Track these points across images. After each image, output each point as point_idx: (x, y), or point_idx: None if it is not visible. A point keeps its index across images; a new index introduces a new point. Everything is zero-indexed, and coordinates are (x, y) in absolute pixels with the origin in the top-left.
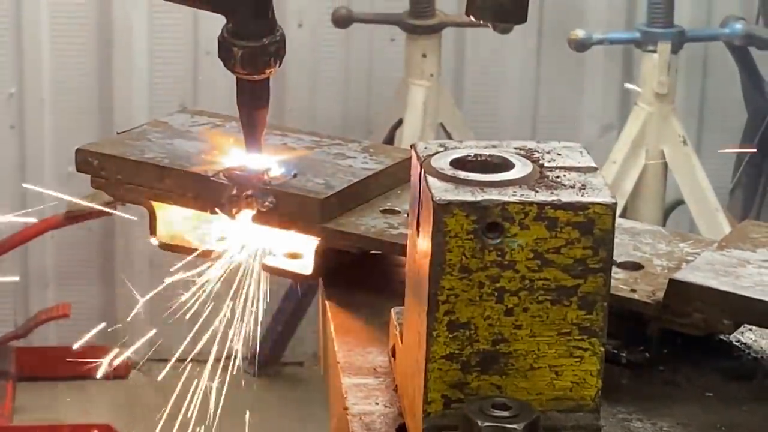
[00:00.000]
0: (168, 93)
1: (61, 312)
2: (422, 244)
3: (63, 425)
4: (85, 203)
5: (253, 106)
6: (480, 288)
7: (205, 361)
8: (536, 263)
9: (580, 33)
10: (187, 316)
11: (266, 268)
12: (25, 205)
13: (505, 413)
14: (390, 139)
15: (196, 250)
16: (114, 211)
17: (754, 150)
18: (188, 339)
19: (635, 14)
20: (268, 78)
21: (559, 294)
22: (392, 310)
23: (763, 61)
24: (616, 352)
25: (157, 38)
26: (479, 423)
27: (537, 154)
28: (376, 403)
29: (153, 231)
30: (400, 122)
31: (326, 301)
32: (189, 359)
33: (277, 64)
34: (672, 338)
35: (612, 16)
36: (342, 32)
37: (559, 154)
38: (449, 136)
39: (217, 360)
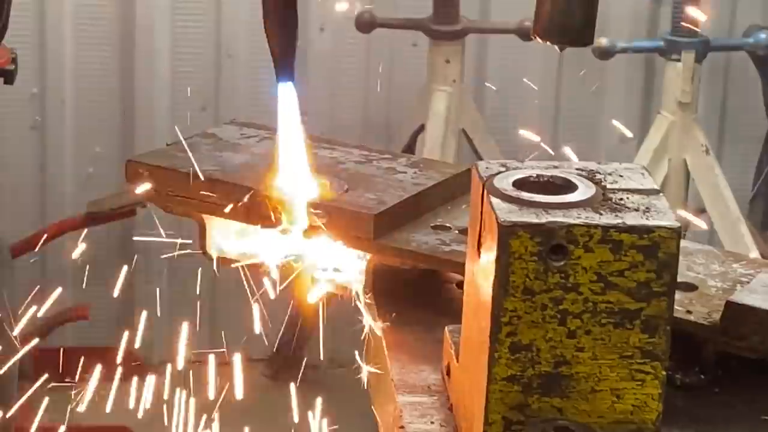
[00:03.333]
0: (190, 94)
1: (80, 313)
2: (484, 265)
3: (81, 426)
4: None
5: (280, 25)
6: (543, 310)
7: (223, 364)
8: (600, 286)
9: (603, 41)
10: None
11: (317, 283)
12: (45, 205)
13: None
14: (411, 145)
15: (245, 262)
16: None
17: None
18: (206, 340)
19: (658, 23)
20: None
21: (622, 317)
22: (446, 328)
23: None
24: (670, 373)
25: (179, 39)
26: None
27: (599, 176)
28: (432, 422)
29: (203, 244)
30: (421, 128)
31: (378, 318)
32: (206, 361)
33: None
34: (727, 360)
35: (634, 25)
36: (363, 37)
37: (621, 176)
38: (471, 143)
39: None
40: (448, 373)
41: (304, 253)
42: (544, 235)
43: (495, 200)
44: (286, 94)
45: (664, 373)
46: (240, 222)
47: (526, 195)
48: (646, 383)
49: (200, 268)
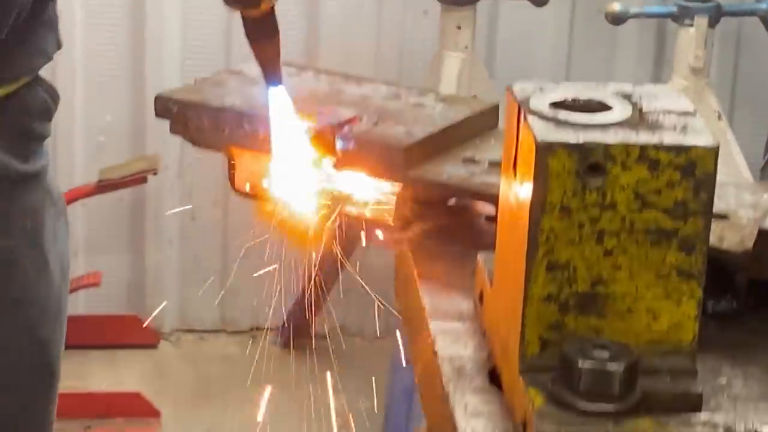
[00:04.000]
0: (201, 61)
1: (91, 281)
2: (521, 185)
3: (93, 393)
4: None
5: (258, 39)
6: (580, 229)
7: (234, 332)
8: (637, 204)
9: (616, 6)
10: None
11: (347, 216)
12: (56, 174)
13: (605, 354)
14: None
15: (273, 198)
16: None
17: None
18: (218, 309)
19: None
20: (270, 10)
21: (659, 236)
22: (479, 255)
23: None
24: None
25: (189, 6)
26: (579, 363)
27: (635, 97)
28: (465, 347)
29: (232, 179)
30: None
31: (407, 248)
32: (218, 330)
33: None
34: (758, 288)
35: None
36: (374, 4)
37: (656, 97)
38: None
39: (245, 331)
40: (481, 300)
41: (334, 186)
42: (582, 153)
43: (532, 119)
44: (278, 96)
45: (700, 293)
46: (269, 155)
47: (563, 114)
48: (683, 303)
49: (211, 237)
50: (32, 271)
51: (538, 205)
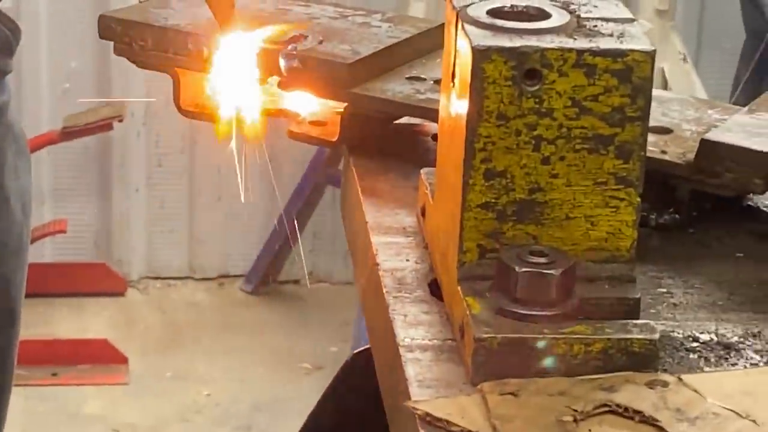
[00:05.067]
0: None
1: (57, 228)
2: (458, 94)
3: (60, 340)
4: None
5: None
6: (517, 136)
7: (202, 279)
8: (574, 111)
9: None
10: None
11: (292, 134)
12: (22, 121)
13: (542, 260)
14: None
15: (218, 117)
16: (111, 128)
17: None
18: (186, 256)
19: None
20: None
21: (597, 142)
22: (422, 171)
23: None
24: (645, 214)
25: None
26: (516, 269)
27: (573, 6)
28: (407, 260)
29: (177, 99)
30: None
31: (352, 166)
32: (185, 276)
33: None
34: (702, 202)
35: None
36: None
37: (596, 6)
38: None
39: (213, 278)
40: (424, 215)
41: (280, 104)
42: (518, 58)
43: (469, 27)
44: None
45: (638, 199)
46: (212, 75)
47: (500, 22)
48: (620, 210)
49: (178, 184)
50: None
51: (475, 112)
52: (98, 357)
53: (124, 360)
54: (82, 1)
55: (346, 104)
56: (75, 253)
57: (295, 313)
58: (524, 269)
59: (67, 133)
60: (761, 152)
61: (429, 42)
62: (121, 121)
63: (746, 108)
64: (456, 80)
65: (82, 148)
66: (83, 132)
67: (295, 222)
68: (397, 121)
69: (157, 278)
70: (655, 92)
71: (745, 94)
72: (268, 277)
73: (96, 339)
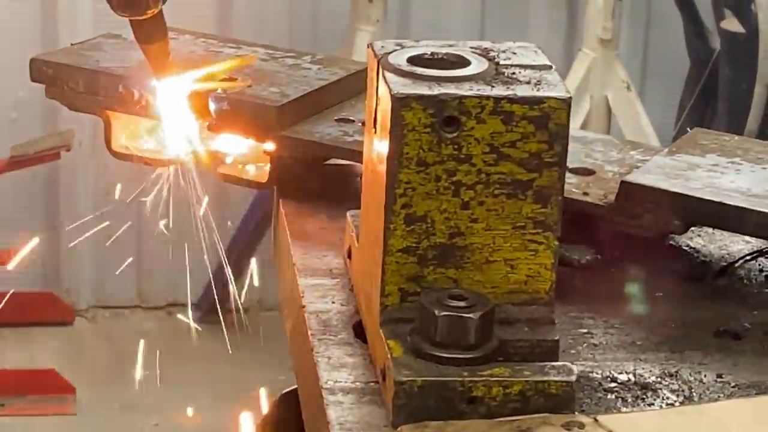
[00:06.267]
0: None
1: (2, 260)
2: (380, 140)
3: (6, 370)
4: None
5: (148, 41)
6: (437, 181)
7: (151, 308)
8: (492, 157)
9: None
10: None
11: (223, 176)
12: None
13: (461, 303)
14: None
15: (151, 159)
16: (58, 157)
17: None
18: (133, 286)
19: None
20: (158, 14)
21: (515, 188)
22: (348, 213)
23: (706, 8)
24: (568, 255)
25: None
26: (436, 313)
27: (492, 53)
28: (333, 302)
29: (108, 141)
30: None
31: (282, 208)
32: (134, 305)
33: (159, 3)
34: (623, 242)
35: None
36: None
37: (515, 53)
38: None
39: (162, 307)
40: (350, 256)
41: (209, 147)
42: (437, 106)
43: (389, 75)
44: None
45: (556, 243)
46: (144, 117)
47: (419, 70)
48: (539, 253)
49: (127, 213)
50: None
51: (395, 158)
52: (46, 387)
53: (71, 390)
54: (29, 31)
55: (275, 146)
56: (22, 283)
57: (243, 342)
58: (443, 313)
59: (15, 163)
60: (679, 194)
61: (358, 83)
62: (68, 150)
63: (666, 150)
64: (377, 126)
65: (31, 177)
66: (31, 161)
67: (245, 250)
68: (327, 162)
69: (105, 307)
70: (579, 133)
71: (690, 120)
72: (216, 305)
73: (43, 369)
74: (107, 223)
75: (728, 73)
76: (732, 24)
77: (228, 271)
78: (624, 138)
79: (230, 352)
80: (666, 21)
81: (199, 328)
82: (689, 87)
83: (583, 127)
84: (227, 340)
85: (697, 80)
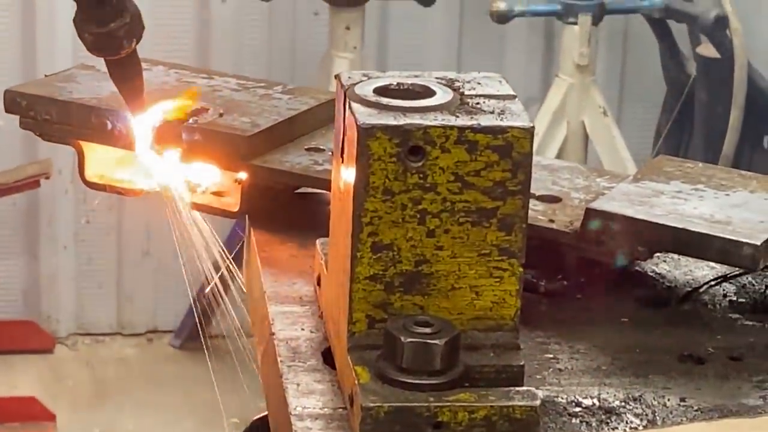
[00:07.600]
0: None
1: None
2: (346, 169)
3: None
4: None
5: (123, 80)
6: (403, 210)
7: (131, 335)
8: (457, 186)
9: (501, 5)
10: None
11: (195, 205)
12: None
13: (427, 330)
14: None
15: (124, 189)
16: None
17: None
18: (113, 313)
19: None
20: (132, 53)
21: (479, 216)
22: (317, 241)
23: (682, 33)
24: (534, 281)
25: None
26: (402, 339)
27: (458, 83)
28: (302, 329)
29: (82, 171)
30: None
31: (253, 236)
32: (114, 332)
33: (133, 43)
34: (589, 268)
35: None
36: (264, 6)
37: (479, 83)
38: None
39: (142, 333)
40: (319, 284)
41: (181, 177)
42: (402, 136)
43: (356, 105)
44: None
45: (521, 270)
46: (117, 148)
47: (385, 100)
48: (504, 280)
49: (106, 241)
50: None
51: (362, 187)
52: (26, 415)
53: (52, 417)
54: (9, 61)
55: (246, 175)
56: (2, 311)
57: (224, 368)
58: (409, 339)
59: None
60: (644, 221)
61: (329, 112)
62: (47, 178)
63: (631, 177)
64: (344, 156)
65: (10, 206)
66: (10, 190)
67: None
68: (298, 191)
69: (85, 334)
70: (546, 161)
71: (667, 144)
72: (196, 332)
73: (24, 397)
74: (87, 250)
75: (704, 97)
76: (708, 49)
77: (208, 297)
78: (601, 163)
79: (210, 378)
80: (642, 46)
81: (180, 354)
82: (666, 112)
83: (560, 152)
84: (207, 366)
85: (673, 105)
